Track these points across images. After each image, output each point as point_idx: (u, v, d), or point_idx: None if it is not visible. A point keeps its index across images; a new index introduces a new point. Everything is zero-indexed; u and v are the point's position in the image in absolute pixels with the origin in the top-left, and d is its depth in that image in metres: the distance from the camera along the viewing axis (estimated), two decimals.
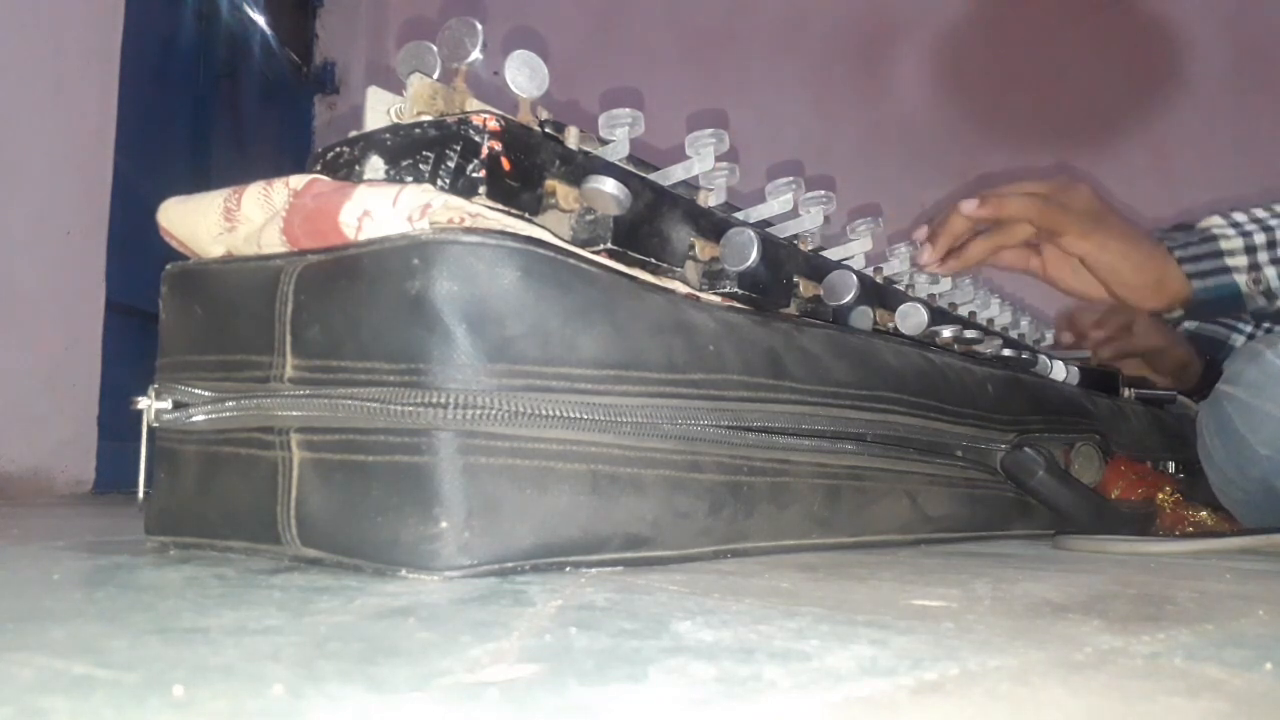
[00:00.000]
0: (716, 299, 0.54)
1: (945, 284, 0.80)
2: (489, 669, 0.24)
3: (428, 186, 0.42)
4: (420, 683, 0.23)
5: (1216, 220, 0.86)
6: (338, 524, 0.41)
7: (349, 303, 0.41)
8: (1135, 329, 1.12)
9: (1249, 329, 1.20)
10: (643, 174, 0.55)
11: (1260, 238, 0.85)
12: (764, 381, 0.52)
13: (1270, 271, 0.85)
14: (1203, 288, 0.85)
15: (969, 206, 0.82)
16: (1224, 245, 0.85)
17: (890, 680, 0.24)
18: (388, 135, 0.48)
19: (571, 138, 0.51)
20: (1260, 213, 0.86)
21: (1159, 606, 0.39)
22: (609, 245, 0.50)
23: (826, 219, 0.66)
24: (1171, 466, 0.95)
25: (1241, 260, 0.85)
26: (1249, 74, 1.74)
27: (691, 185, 0.59)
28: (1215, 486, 0.81)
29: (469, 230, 0.41)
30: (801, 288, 0.64)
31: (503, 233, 0.41)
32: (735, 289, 0.55)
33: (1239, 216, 0.86)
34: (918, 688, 0.24)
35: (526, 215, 0.46)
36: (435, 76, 0.50)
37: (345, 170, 0.49)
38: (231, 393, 0.45)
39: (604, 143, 0.54)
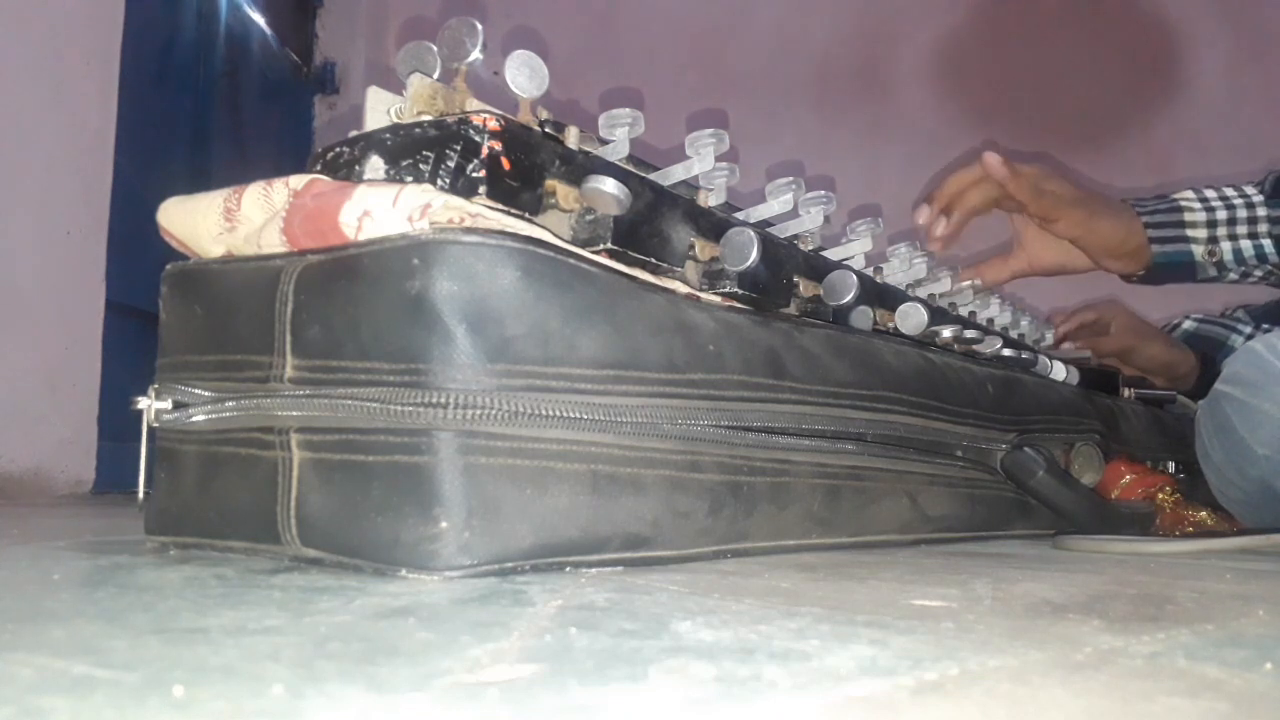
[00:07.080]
0: (716, 299, 0.54)
1: (945, 283, 0.80)
2: (489, 669, 0.24)
3: (428, 186, 0.42)
4: (420, 683, 0.23)
5: (1188, 194, 0.93)
6: (338, 524, 0.41)
7: (349, 303, 0.41)
8: (1112, 328, 1.12)
9: (1248, 329, 1.20)
10: (643, 174, 0.55)
11: (1223, 214, 0.92)
12: (764, 381, 0.52)
13: (1226, 246, 0.92)
14: (1161, 253, 0.92)
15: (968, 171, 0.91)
16: (1187, 217, 0.92)
17: (890, 680, 0.24)
18: (388, 135, 0.48)
19: (571, 138, 0.51)
20: (1230, 191, 0.94)
21: (1159, 606, 0.39)
22: (609, 245, 0.50)
23: (826, 219, 0.66)
24: (1171, 466, 0.95)
25: (1201, 233, 0.92)
26: (1248, 73, 1.74)
27: (691, 185, 0.59)
28: (1214, 486, 0.81)
29: (469, 230, 0.41)
30: (801, 288, 0.64)
31: (503, 233, 0.41)
32: (735, 289, 0.55)
33: (1209, 193, 0.93)
34: (918, 688, 0.24)
35: (526, 215, 0.46)
36: (435, 76, 0.50)
37: (345, 170, 0.49)
38: (231, 393, 0.45)
39: (604, 143, 0.54)
